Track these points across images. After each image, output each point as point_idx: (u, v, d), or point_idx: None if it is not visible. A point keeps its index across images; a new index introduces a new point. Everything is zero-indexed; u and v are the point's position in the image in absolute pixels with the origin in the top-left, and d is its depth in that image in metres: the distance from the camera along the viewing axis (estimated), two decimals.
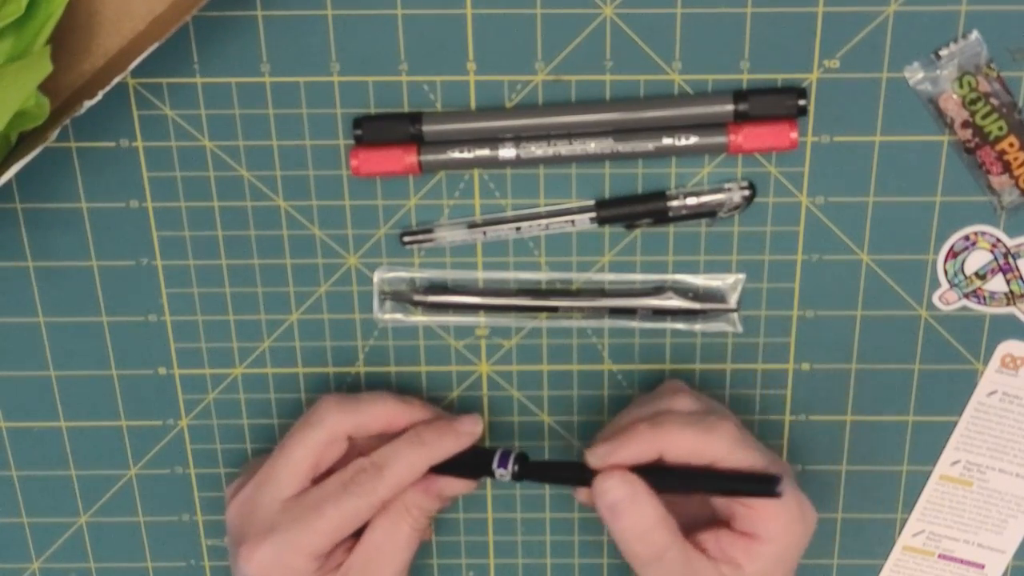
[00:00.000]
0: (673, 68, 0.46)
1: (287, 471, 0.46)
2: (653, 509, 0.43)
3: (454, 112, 0.47)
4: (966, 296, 0.50)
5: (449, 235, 0.49)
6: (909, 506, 0.54)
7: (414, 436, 0.46)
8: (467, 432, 0.46)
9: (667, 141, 0.46)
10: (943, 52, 0.46)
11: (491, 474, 0.46)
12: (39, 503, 0.54)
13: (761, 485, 0.43)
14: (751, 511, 0.44)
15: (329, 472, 0.46)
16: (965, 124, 0.47)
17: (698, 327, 0.50)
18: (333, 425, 0.46)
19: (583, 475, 0.45)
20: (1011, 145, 0.47)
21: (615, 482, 0.44)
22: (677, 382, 0.49)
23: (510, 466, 0.45)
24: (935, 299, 0.50)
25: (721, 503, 0.46)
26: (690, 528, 0.45)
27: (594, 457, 0.44)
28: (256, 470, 0.47)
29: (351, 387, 0.52)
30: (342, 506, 0.45)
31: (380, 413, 0.47)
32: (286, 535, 0.45)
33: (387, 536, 0.46)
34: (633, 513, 0.43)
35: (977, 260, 0.49)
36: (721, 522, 0.46)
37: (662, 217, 0.48)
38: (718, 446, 0.44)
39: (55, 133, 0.42)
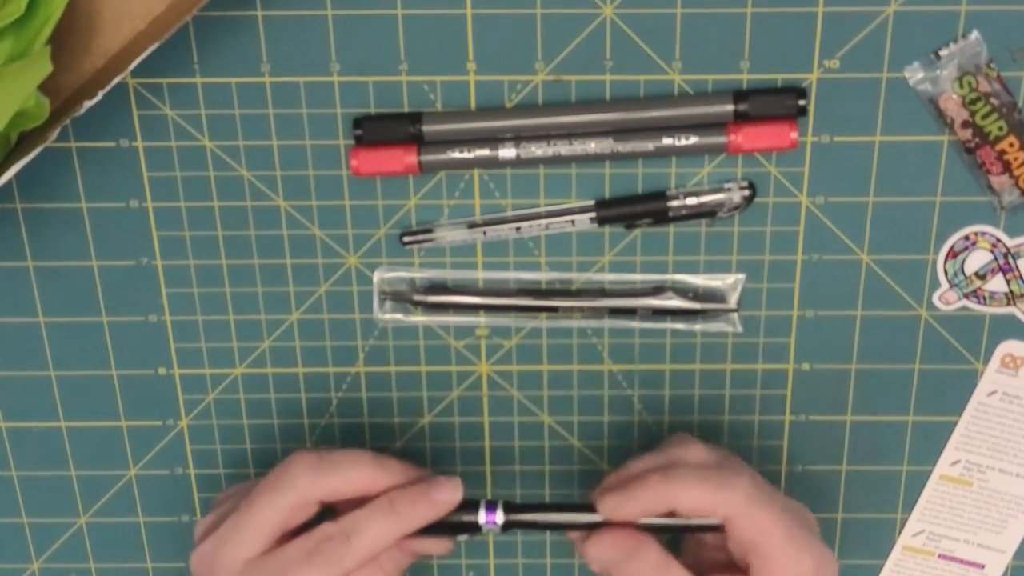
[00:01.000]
0: (673, 68, 0.46)
1: (250, 531, 0.43)
2: (645, 565, 0.43)
3: (454, 112, 0.47)
4: (966, 296, 0.50)
5: (449, 235, 0.49)
6: (909, 506, 0.54)
7: (386, 505, 0.43)
8: (444, 501, 0.44)
9: (667, 141, 0.46)
10: (943, 52, 0.46)
11: (477, 530, 0.44)
12: (39, 503, 0.54)
13: None
14: (767, 564, 0.43)
15: (299, 531, 0.44)
16: (965, 124, 0.47)
17: (698, 327, 0.50)
18: (304, 490, 0.43)
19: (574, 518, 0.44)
20: (1011, 145, 0.47)
21: (603, 546, 0.43)
22: (686, 435, 0.47)
23: (498, 516, 0.44)
24: (935, 299, 0.50)
25: (739, 552, 0.44)
26: (704, 571, 0.45)
27: (605, 508, 0.43)
28: (228, 511, 0.45)
29: (350, 387, 0.52)
30: None
31: (355, 478, 0.44)
32: None
33: None
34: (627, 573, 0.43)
35: (977, 260, 0.49)
36: (737, 570, 0.44)
37: (662, 217, 0.48)
38: (732, 503, 0.42)
39: (55, 133, 0.42)
